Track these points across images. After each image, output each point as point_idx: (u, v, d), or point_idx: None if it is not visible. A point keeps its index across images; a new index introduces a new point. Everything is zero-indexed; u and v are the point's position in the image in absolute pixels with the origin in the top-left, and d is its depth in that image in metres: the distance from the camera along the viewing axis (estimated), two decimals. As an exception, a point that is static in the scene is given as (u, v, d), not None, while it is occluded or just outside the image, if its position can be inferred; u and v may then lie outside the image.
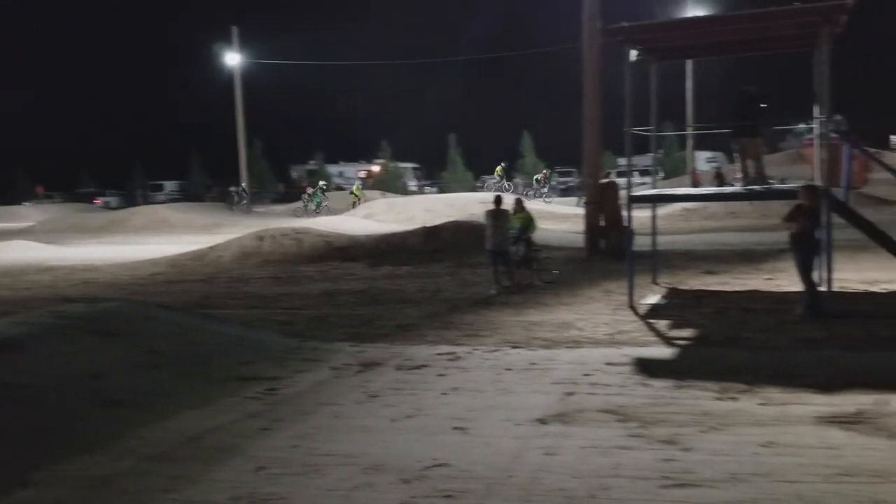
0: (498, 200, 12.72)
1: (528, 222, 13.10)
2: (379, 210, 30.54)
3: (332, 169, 60.85)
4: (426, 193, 47.68)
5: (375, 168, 58.21)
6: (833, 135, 12.23)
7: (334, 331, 9.62)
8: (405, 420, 5.84)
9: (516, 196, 17.19)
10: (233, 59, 39.55)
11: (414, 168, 59.96)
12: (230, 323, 9.44)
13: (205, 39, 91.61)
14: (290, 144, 67.29)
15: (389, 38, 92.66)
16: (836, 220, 10.20)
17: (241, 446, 5.35)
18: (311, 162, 62.80)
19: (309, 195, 39.32)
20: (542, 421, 5.70)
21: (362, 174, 56.53)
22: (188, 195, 56.98)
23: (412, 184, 56.85)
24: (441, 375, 7.11)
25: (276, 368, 7.48)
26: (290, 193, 53.92)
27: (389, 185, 52.97)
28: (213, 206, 41.99)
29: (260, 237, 19.79)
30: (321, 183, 41.63)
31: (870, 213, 16.19)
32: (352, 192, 39.84)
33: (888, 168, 15.09)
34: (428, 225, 20.39)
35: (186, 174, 63.96)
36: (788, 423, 5.43)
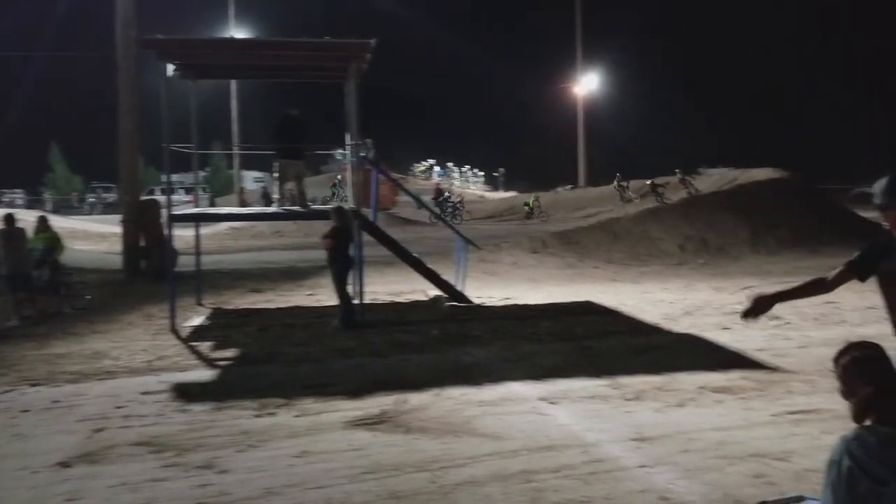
0: (9, 219, 11.15)
1: (54, 242, 11.87)
2: None
3: None
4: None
5: None
6: (363, 161, 13.38)
7: None
8: None
9: (40, 214, 15.47)
10: None
11: None
12: None
13: None
14: None
15: None
16: (368, 238, 11.18)
17: None
18: None
19: None
20: (65, 464, 5.14)
21: None
22: None
23: None
24: (-62, 426, 6.01)
25: None
26: None
27: None
28: None
29: None
30: None
31: (397, 233, 18.14)
32: None
33: (408, 192, 17.07)
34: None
35: None
36: (321, 431, 5.71)
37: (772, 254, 18.37)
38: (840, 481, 2.54)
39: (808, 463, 4.67)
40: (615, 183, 34.31)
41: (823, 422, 5.56)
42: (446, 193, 37.71)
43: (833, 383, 2.83)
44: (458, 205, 34.56)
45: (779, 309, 10.73)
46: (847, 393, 2.72)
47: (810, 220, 20.60)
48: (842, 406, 2.82)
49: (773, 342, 8.63)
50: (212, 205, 34.86)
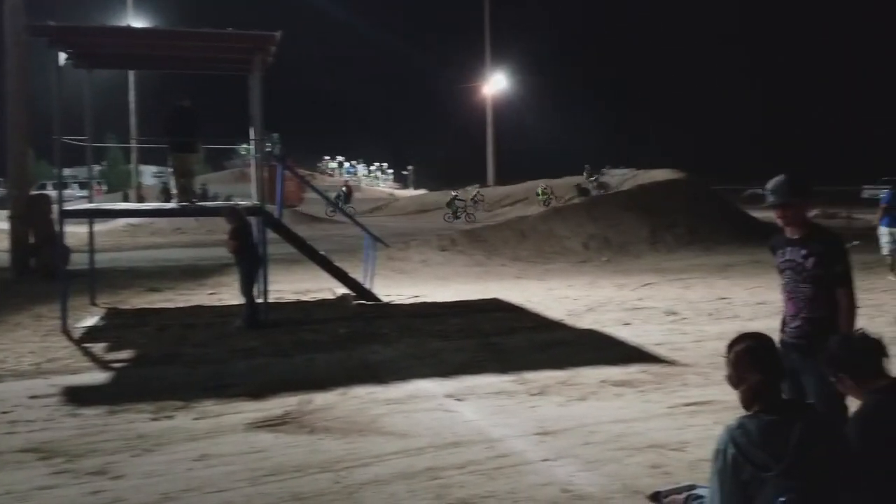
0: None
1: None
2: None
3: None
4: None
5: None
6: (269, 157, 13.12)
7: None
8: None
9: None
10: None
11: None
12: None
13: None
14: None
15: None
16: (274, 235, 10.96)
17: None
18: None
19: None
20: (-56, 473, 4.82)
21: None
22: None
23: None
24: None
25: None
26: None
27: None
28: None
29: None
30: None
31: (304, 230, 17.89)
32: None
33: (315, 189, 16.83)
34: None
35: None
36: (222, 434, 5.55)
37: (670, 251, 19.04)
38: (725, 469, 2.65)
39: (702, 453, 4.83)
40: (585, 175, 33.80)
41: (716, 413, 5.77)
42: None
43: (724, 376, 2.96)
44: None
45: (675, 304, 11.02)
46: (736, 380, 2.85)
47: (706, 219, 21.46)
48: (733, 397, 2.94)
49: (670, 336, 8.92)
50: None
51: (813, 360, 3.57)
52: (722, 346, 3.09)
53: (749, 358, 2.82)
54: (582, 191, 31.11)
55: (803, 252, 3.88)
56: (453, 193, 35.01)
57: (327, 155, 73.32)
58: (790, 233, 3.98)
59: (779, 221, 3.98)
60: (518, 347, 8.51)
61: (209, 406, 6.23)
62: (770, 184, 3.92)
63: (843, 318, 3.80)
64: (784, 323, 4.05)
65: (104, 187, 44.50)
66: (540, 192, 33.37)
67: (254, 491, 4.49)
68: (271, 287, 11.00)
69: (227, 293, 12.54)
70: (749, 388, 2.79)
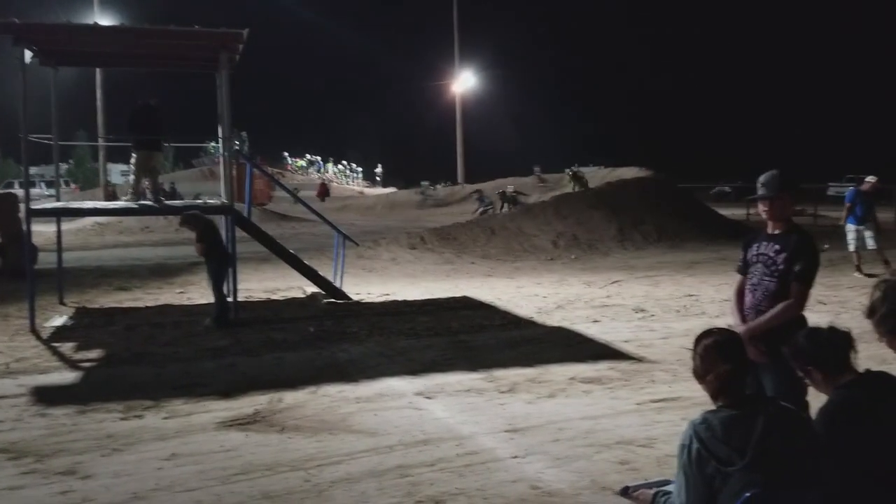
0: None
1: None
2: None
3: None
4: None
5: None
6: (237, 155, 13.05)
7: None
8: None
9: None
10: None
11: None
12: None
13: None
14: None
15: None
16: (242, 233, 10.92)
17: None
18: None
19: None
20: None
21: None
22: None
23: None
24: None
25: None
26: None
27: None
28: None
29: None
30: None
31: (273, 228, 17.82)
32: None
33: (284, 188, 16.75)
34: None
35: None
36: (192, 433, 5.55)
37: (638, 249, 19.24)
38: (690, 464, 2.71)
39: (670, 449, 4.91)
40: (568, 172, 33.01)
41: (684, 409, 5.87)
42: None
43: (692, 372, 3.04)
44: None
45: (643, 301, 11.16)
46: (703, 373, 2.91)
47: (673, 217, 21.73)
48: (701, 394, 3.02)
49: (638, 333, 9.06)
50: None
51: (771, 357, 3.67)
52: (689, 342, 3.17)
53: (716, 351, 2.89)
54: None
55: (776, 247, 3.93)
56: (509, 188, 32.87)
57: (295, 153, 72.92)
58: (770, 228, 4.06)
59: (763, 214, 4.06)
60: (487, 345, 8.59)
61: (179, 405, 6.22)
62: (762, 177, 4.00)
63: (780, 307, 3.82)
64: (746, 317, 4.10)
65: (77, 185, 43.95)
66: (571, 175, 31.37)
67: (224, 490, 4.51)
68: (241, 286, 10.96)
69: (196, 292, 12.47)
70: (715, 381, 2.86)
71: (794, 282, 3.85)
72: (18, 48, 9.79)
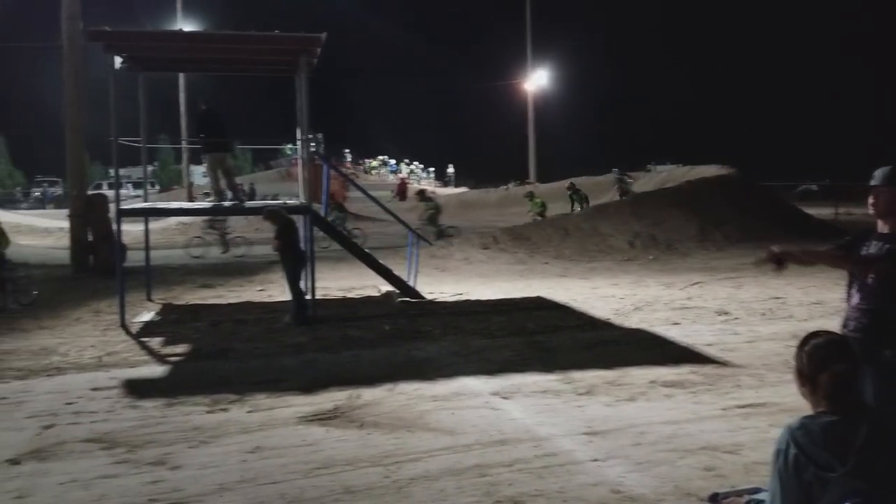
0: None
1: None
2: None
3: None
4: None
5: None
6: (314, 157, 13.28)
7: None
8: None
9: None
10: None
11: None
12: None
13: None
14: None
15: None
16: (319, 233, 11.12)
17: None
18: None
19: None
20: (14, 461, 5.03)
21: None
22: None
23: None
24: None
25: None
26: None
27: None
28: None
29: None
30: None
31: (347, 227, 18.05)
32: None
33: (359, 187, 16.96)
34: None
35: None
36: (274, 427, 5.68)
37: (719, 250, 18.74)
38: (787, 469, 2.60)
39: (757, 456, 4.79)
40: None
41: (771, 415, 5.68)
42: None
43: (779, 377, 2.92)
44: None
45: (726, 304, 10.85)
46: (814, 371, 2.72)
47: (757, 216, 21.08)
48: (790, 400, 2.90)
49: (721, 337, 8.81)
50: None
51: (872, 358, 3.49)
52: (776, 347, 3.08)
53: (830, 350, 2.73)
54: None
55: (887, 247, 3.77)
56: (628, 178, 32.05)
57: (368, 156, 73.76)
58: (880, 227, 3.89)
59: (870, 209, 3.89)
60: (563, 346, 8.50)
61: (261, 399, 6.37)
62: (878, 171, 3.86)
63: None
64: (846, 319, 3.91)
65: (156, 187, 45.60)
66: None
67: (307, 483, 4.59)
68: (318, 284, 11.14)
69: (275, 289, 12.75)
70: (828, 381, 2.70)
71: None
72: (109, 55, 10.20)
